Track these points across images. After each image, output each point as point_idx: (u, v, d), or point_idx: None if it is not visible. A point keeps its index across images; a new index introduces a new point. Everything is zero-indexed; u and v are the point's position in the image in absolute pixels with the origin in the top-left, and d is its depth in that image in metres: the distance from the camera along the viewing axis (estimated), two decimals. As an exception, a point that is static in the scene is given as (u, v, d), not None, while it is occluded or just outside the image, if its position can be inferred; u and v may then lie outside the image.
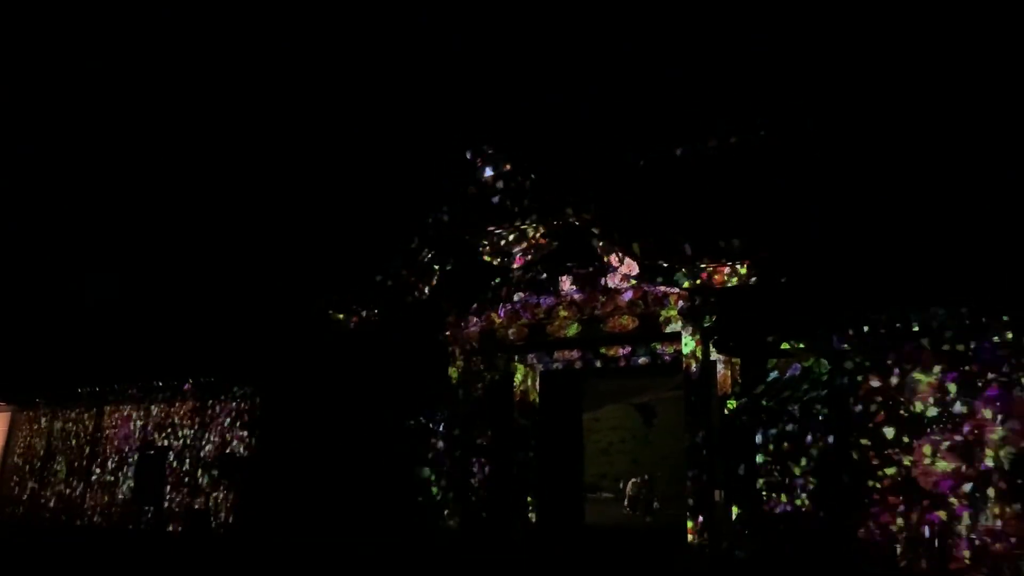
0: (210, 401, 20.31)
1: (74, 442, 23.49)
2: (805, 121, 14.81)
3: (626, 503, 26.56)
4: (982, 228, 11.82)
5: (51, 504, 23.27)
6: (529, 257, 14.96)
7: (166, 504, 20.29)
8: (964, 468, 11.08)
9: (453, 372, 15.92)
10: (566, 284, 14.88)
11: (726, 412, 13.18)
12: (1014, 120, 13.54)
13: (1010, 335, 11.09)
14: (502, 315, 15.45)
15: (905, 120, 14.61)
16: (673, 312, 13.68)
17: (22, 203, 35.52)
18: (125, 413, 22.32)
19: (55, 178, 36.58)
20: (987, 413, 11.04)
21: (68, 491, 22.98)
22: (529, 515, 16.66)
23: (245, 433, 19.23)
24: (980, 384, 11.17)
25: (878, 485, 11.56)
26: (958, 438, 11.17)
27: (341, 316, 15.64)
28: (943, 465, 11.20)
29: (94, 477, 22.44)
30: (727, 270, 12.02)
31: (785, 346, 12.89)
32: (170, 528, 19.91)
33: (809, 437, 12.28)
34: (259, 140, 34.76)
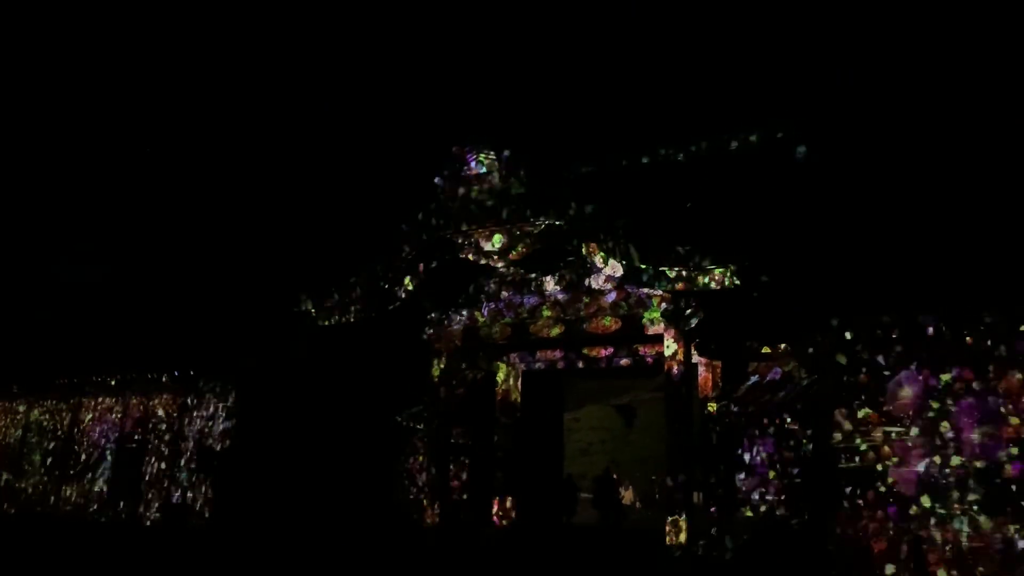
0: (189, 395, 20.18)
1: (51, 433, 23.25)
2: (791, 130, 14.91)
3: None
4: (962, 235, 11.94)
5: (26, 495, 23.02)
6: (513, 257, 14.95)
7: (143, 497, 20.13)
8: (941, 473, 11.18)
9: (435, 370, 15.89)
10: (550, 284, 14.91)
11: (706, 414, 13.25)
12: (991, 131, 13.69)
13: (988, 342, 11.20)
14: (485, 314, 15.45)
15: (886, 128, 14.73)
16: (656, 314, 13.74)
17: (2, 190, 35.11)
18: (103, 405, 22.13)
19: (38, 165, 36.19)
20: (965, 418, 11.14)
21: (44, 482, 22.76)
22: (509, 513, 16.67)
23: (224, 427, 19.11)
24: (958, 389, 11.27)
25: (856, 488, 11.65)
26: (936, 443, 11.27)
27: (322, 313, 15.58)
28: (921, 469, 11.30)
29: (70, 469, 22.24)
30: (710, 274, 12.09)
31: (766, 350, 12.97)
32: (146, 521, 19.76)
33: (788, 440, 12.36)
34: (244, 136, 34.55)
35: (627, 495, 26.18)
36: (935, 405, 11.36)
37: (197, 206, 31.82)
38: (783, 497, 12.24)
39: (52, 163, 36.19)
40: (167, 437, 20.28)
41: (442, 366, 15.90)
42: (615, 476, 19.30)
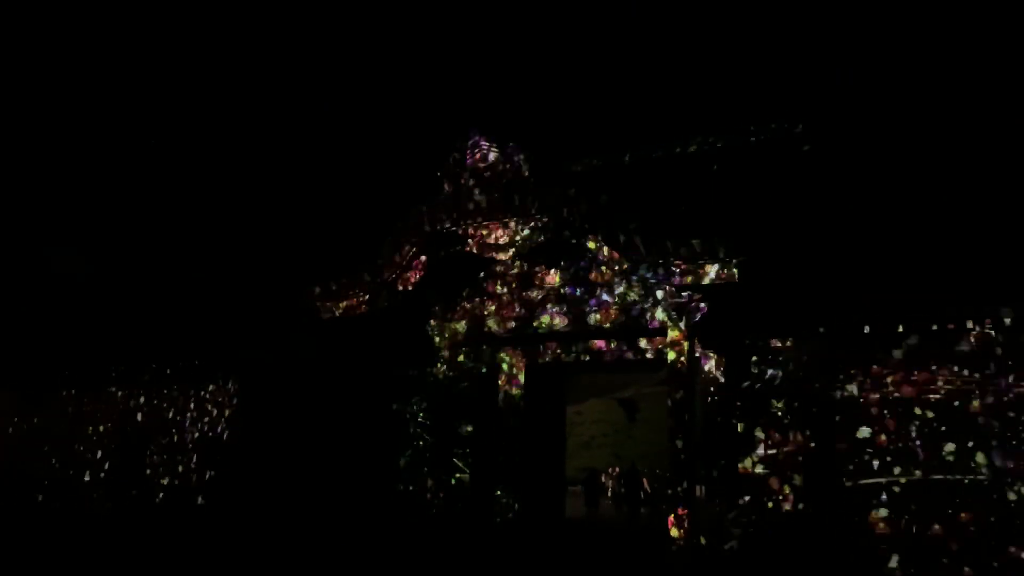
0: (193, 385, 20.23)
1: (57, 424, 23.30)
2: (795, 124, 14.89)
3: (608, 494, 26.68)
4: (964, 229, 11.93)
5: (33, 484, 23.09)
6: (517, 250, 14.97)
7: (145, 487, 20.19)
8: (946, 470, 11.18)
9: (438, 364, 15.91)
10: (554, 278, 14.90)
11: (710, 408, 13.24)
12: (993, 125, 13.67)
13: (993, 335, 11.19)
14: (489, 307, 15.46)
15: (891, 124, 14.72)
16: (660, 308, 13.73)
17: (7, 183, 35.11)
18: (108, 396, 22.19)
19: (39, 155, 36.19)
20: (970, 412, 11.14)
21: (50, 472, 22.82)
22: (511, 507, 16.66)
23: (228, 417, 19.15)
24: (964, 383, 11.26)
25: (860, 482, 11.65)
26: (942, 439, 11.27)
27: (326, 305, 15.60)
28: (927, 463, 11.31)
29: (76, 459, 22.31)
30: (715, 267, 12.09)
31: (771, 344, 12.96)
32: (148, 511, 19.82)
33: (792, 434, 12.36)
34: (248, 128, 34.55)
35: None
36: (942, 399, 11.36)
37: (202, 199, 31.84)
38: (786, 491, 12.25)
39: (53, 154, 36.19)
40: (170, 428, 20.33)
41: (445, 359, 15.91)
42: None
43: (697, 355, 13.87)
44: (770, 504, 12.26)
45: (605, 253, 13.89)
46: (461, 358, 16.27)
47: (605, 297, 14.34)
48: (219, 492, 18.62)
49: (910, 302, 11.72)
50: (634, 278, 13.64)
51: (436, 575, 13.24)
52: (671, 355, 13.51)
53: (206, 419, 19.62)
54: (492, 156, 14.46)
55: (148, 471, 20.28)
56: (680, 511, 13.02)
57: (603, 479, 28.95)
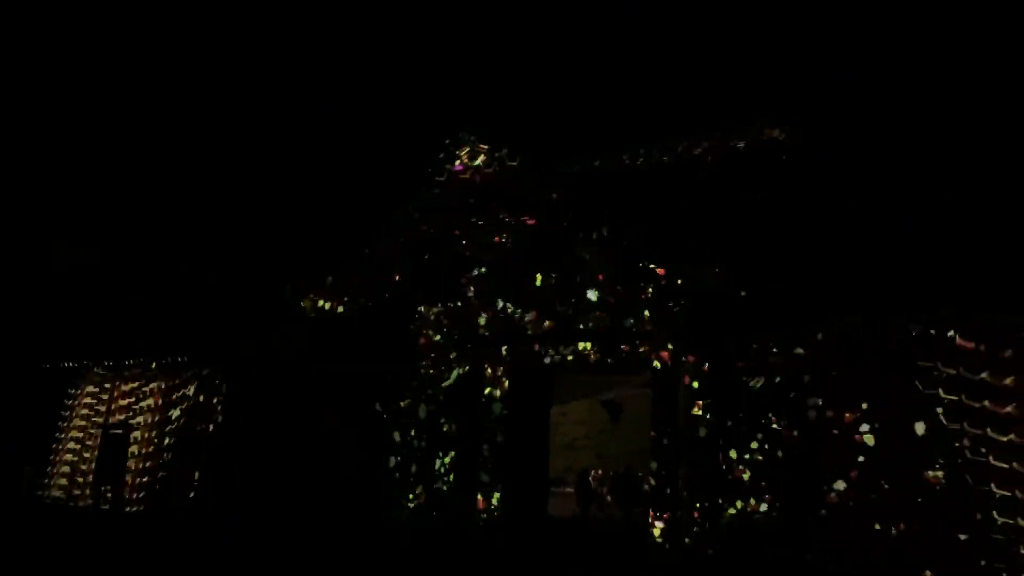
0: (177, 381, 20.16)
1: (37, 418, 23.14)
2: (785, 131, 15.01)
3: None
4: (947, 239, 12.07)
5: (11, 481, 22.92)
6: (505, 251, 15.02)
7: (128, 483, 20.09)
8: (925, 472, 11.29)
9: (423, 362, 15.94)
10: (540, 279, 14.96)
11: (692, 411, 13.34)
12: (984, 137, 13.82)
13: (972, 344, 11.32)
14: (475, 307, 15.51)
15: (877, 130, 14.85)
16: (644, 311, 13.81)
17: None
18: (90, 390, 22.06)
19: (33, 152, 35.89)
20: (949, 419, 11.26)
21: (30, 468, 22.66)
22: (494, 505, 16.73)
23: (216, 412, 19.09)
24: (941, 390, 11.38)
25: (841, 486, 11.77)
26: (921, 443, 11.38)
27: (314, 303, 15.60)
28: (906, 468, 11.42)
29: (56, 455, 22.16)
30: (701, 271, 12.18)
31: (753, 348, 13.07)
32: (130, 508, 19.74)
33: (773, 438, 12.47)
34: (234, 125, 34.36)
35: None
36: (921, 404, 11.46)
37: (190, 196, 31.67)
38: (767, 494, 12.35)
39: (48, 150, 35.88)
40: (154, 424, 20.23)
41: (430, 357, 15.94)
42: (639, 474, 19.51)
43: (681, 358, 13.98)
44: (751, 506, 12.37)
45: (592, 256, 13.97)
46: (446, 357, 16.31)
47: (591, 299, 14.42)
48: (206, 487, 18.56)
49: (896, 309, 11.84)
50: (620, 281, 13.71)
51: (419, 572, 13.26)
52: (655, 358, 13.60)
53: (194, 414, 19.55)
54: (480, 158, 14.51)
55: (131, 466, 20.18)
56: (662, 512, 13.11)
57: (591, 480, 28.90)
